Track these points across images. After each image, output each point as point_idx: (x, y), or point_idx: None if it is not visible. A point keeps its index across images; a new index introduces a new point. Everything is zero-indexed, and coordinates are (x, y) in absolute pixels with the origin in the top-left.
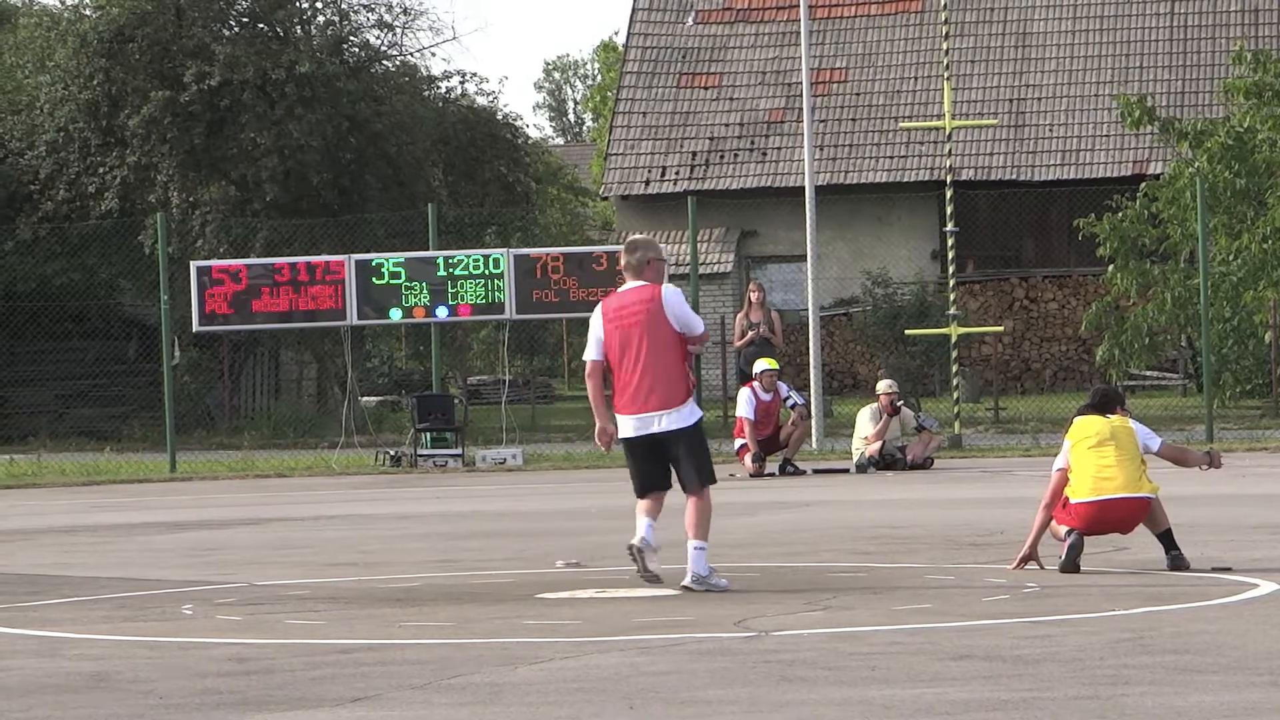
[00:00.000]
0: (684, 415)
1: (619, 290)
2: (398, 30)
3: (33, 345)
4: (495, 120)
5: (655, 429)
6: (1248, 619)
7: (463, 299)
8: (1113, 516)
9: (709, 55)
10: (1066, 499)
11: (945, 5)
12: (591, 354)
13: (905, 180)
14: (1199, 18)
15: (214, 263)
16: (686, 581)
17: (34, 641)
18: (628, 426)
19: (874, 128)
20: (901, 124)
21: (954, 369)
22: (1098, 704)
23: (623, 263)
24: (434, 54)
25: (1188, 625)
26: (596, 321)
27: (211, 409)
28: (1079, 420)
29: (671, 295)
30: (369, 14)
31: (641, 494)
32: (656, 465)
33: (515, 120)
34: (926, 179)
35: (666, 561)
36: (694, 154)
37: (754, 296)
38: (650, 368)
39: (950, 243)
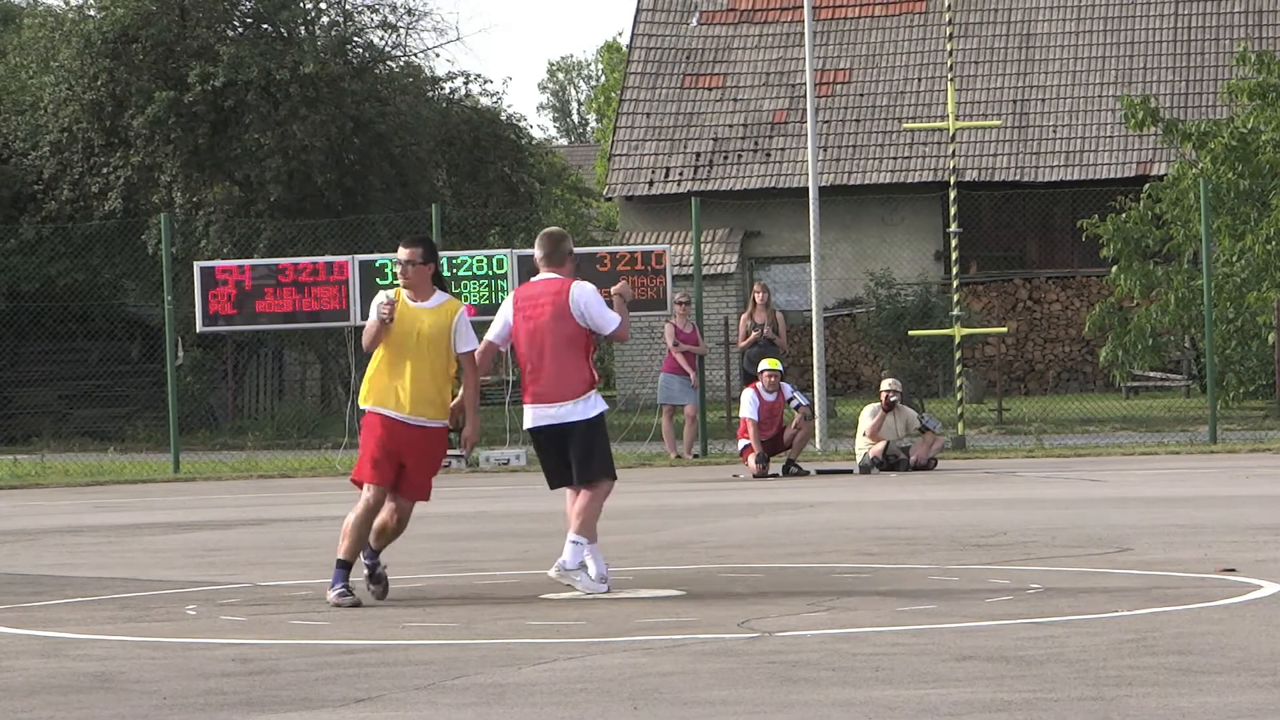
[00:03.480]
0: (581, 407)
1: (531, 280)
2: (402, 31)
3: (36, 345)
4: (499, 121)
5: (554, 420)
6: (1251, 620)
7: (466, 299)
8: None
9: (713, 56)
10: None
11: (949, 6)
12: (492, 336)
13: (909, 181)
14: (1203, 19)
15: (218, 263)
16: (551, 571)
17: (37, 642)
18: (530, 417)
19: (878, 128)
20: (905, 125)
21: (958, 370)
22: (1101, 705)
23: (540, 254)
24: (438, 55)
25: (1191, 626)
26: (507, 308)
27: (215, 409)
28: None
29: (580, 292)
30: (373, 15)
31: (553, 485)
32: (560, 459)
33: (519, 121)
34: (930, 180)
35: (674, 562)
36: (698, 155)
37: (759, 297)
38: (553, 360)
39: (954, 243)
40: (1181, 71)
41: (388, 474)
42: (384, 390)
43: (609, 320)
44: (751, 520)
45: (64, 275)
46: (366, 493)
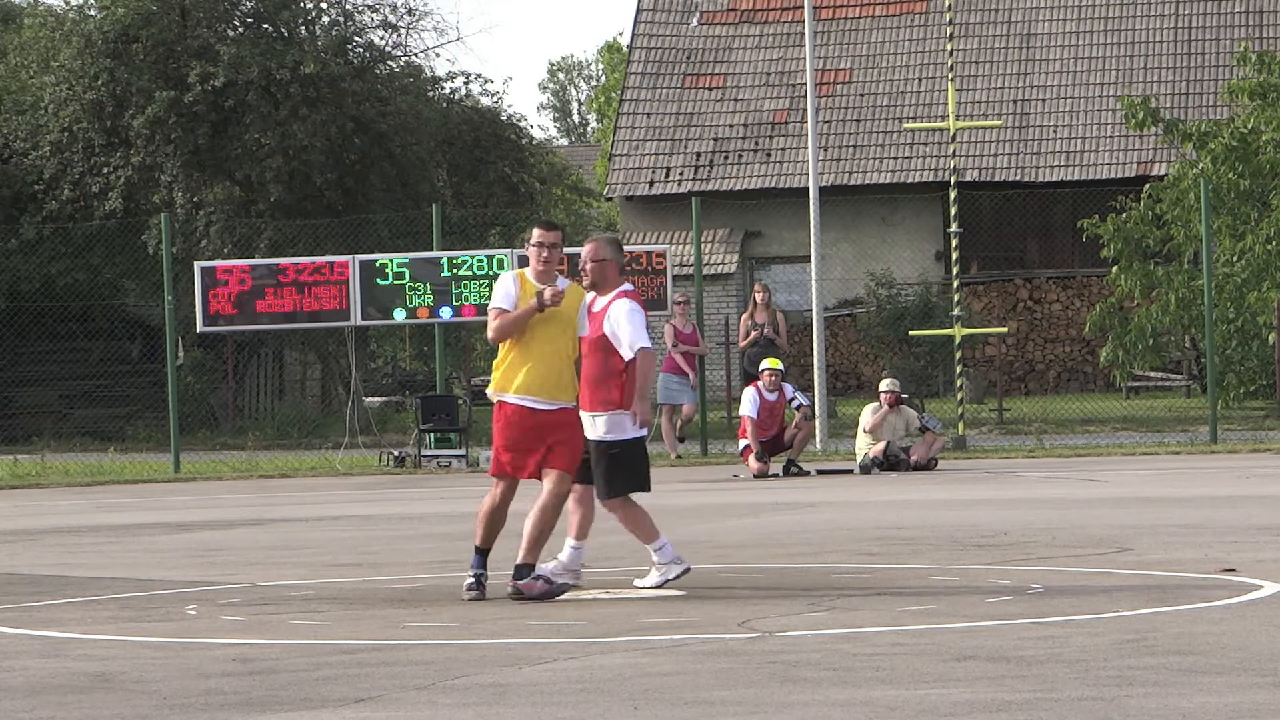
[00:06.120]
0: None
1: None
2: (402, 31)
3: (37, 345)
4: (500, 121)
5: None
6: (1251, 620)
7: (467, 299)
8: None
9: (713, 56)
10: None
11: (950, 6)
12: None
13: (909, 181)
14: (1204, 19)
15: (218, 263)
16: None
17: (38, 642)
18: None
19: (878, 128)
20: (906, 125)
21: (958, 370)
22: (1102, 705)
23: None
24: (438, 54)
25: (1191, 626)
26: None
27: (215, 409)
28: None
29: (616, 309)
30: (373, 14)
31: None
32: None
33: (520, 121)
34: (931, 180)
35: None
36: (698, 155)
37: (759, 297)
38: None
39: (954, 243)
40: (1182, 71)
41: None
42: None
43: (633, 341)
44: (752, 520)
45: (64, 275)
46: None
